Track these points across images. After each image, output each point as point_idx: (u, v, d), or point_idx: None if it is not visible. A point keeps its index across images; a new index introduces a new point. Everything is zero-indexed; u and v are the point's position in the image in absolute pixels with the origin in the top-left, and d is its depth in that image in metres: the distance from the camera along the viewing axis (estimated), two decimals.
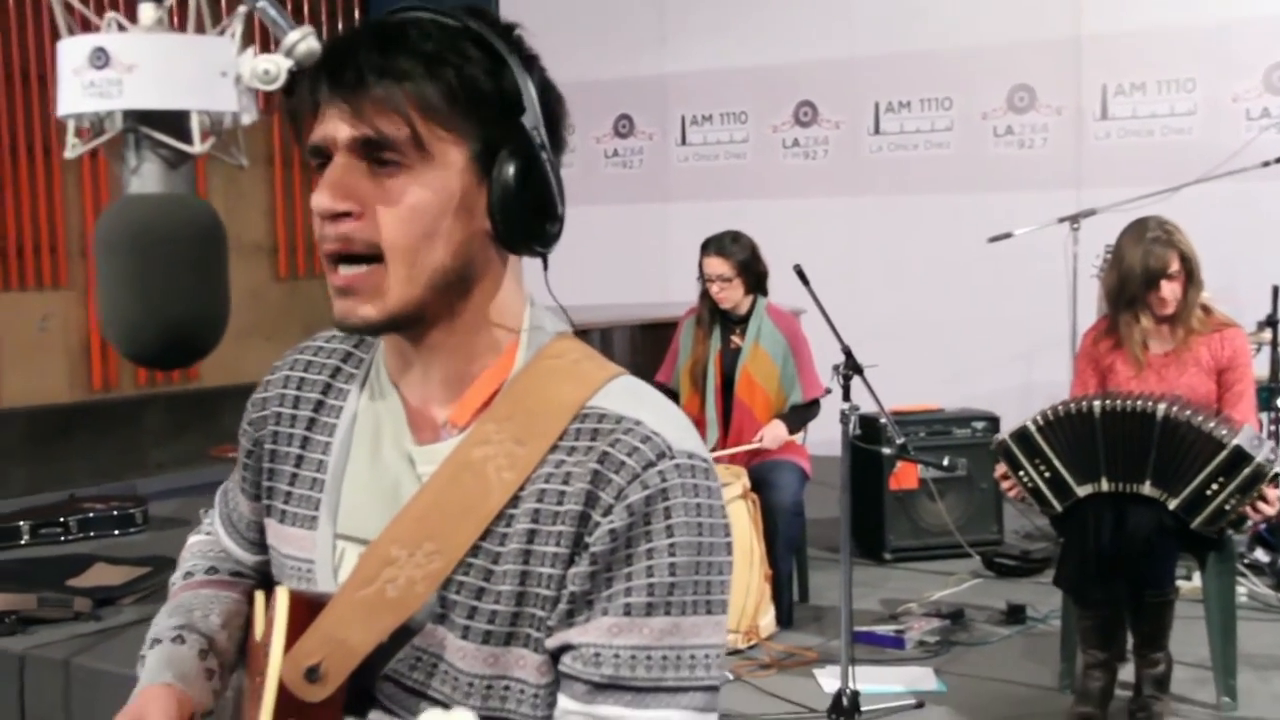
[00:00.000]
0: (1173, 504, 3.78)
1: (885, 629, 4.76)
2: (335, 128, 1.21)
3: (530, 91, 1.23)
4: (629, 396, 1.25)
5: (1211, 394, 3.98)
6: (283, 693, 1.20)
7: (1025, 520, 6.20)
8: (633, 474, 1.19)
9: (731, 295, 5.03)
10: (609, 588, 1.19)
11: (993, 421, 5.89)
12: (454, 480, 1.23)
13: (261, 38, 1.38)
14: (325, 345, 1.42)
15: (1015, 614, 4.93)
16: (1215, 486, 3.73)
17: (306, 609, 1.24)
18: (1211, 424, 3.76)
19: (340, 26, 9.54)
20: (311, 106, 1.24)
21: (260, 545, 1.51)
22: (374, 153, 1.21)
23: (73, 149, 1.06)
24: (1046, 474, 3.95)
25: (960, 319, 7.58)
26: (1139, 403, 3.85)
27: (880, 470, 5.70)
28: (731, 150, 8.75)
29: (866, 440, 4.92)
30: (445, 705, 1.23)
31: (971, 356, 7.45)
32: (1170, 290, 3.98)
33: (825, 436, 4.33)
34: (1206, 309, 4.05)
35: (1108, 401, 3.90)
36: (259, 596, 1.46)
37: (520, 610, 1.21)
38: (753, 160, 8.66)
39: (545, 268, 1.33)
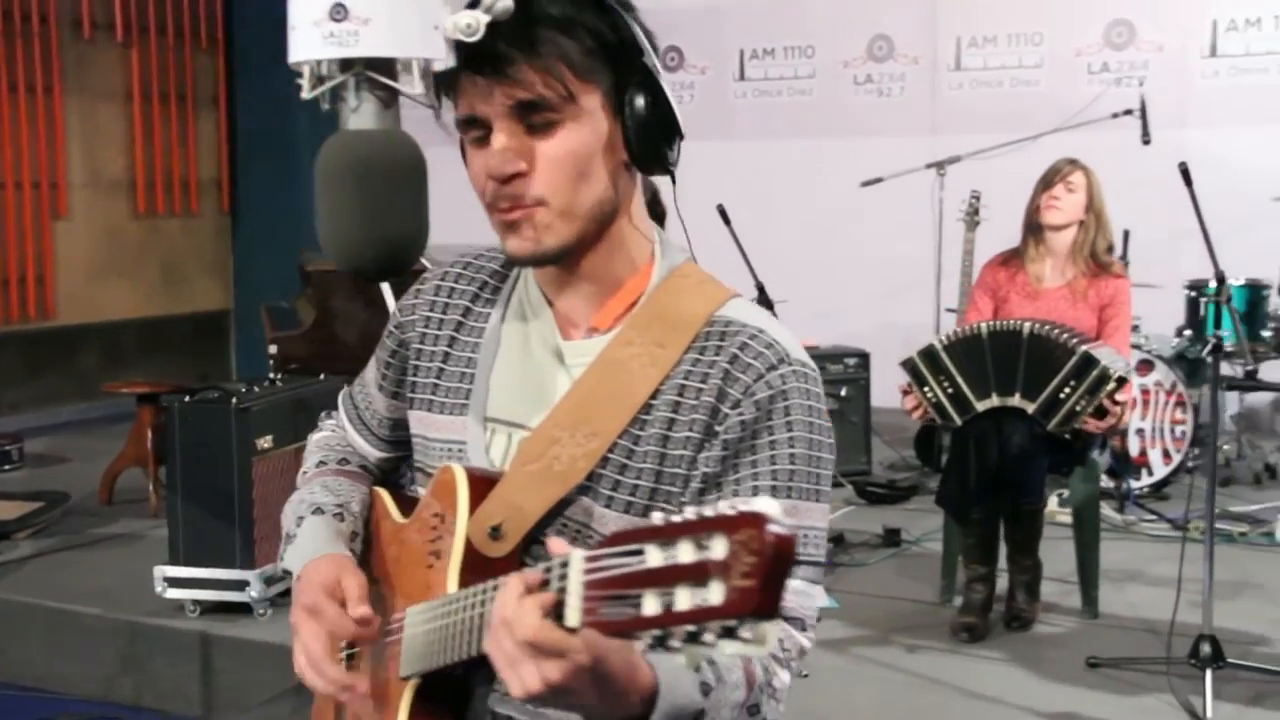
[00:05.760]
0: (1031, 409, 4.15)
1: None
2: (492, 97, 1.38)
3: (641, 35, 1.43)
4: (748, 310, 1.47)
5: (1093, 329, 4.36)
6: (468, 549, 1.42)
7: (891, 451, 6.57)
8: (758, 374, 1.40)
9: None
10: (736, 472, 1.40)
11: (863, 358, 6.25)
12: (604, 374, 1.44)
13: None
14: (474, 262, 1.61)
15: (891, 537, 5.27)
16: (1067, 390, 4.10)
17: (481, 482, 1.44)
18: (1066, 336, 4.14)
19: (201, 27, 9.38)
20: (461, 78, 1.39)
21: (390, 442, 1.71)
22: (530, 115, 1.38)
23: (309, 91, 1.22)
24: (950, 390, 4.28)
25: (827, 260, 7.89)
26: (1013, 322, 4.23)
27: None
28: None
29: None
30: None
31: (838, 296, 7.77)
32: (1064, 195, 4.39)
33: None
34: (1108, 263, 4.44)
35: (993, 324, 4.27)
36: (381, 493, 1.67)
37: (657, 486, 1.42)
38: None
39: (674, 183, 1.53)
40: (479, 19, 1.25)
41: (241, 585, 4.41)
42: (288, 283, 8.47)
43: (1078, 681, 3.92)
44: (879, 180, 6.39)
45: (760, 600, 0.94)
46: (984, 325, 4.28)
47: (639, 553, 1.03)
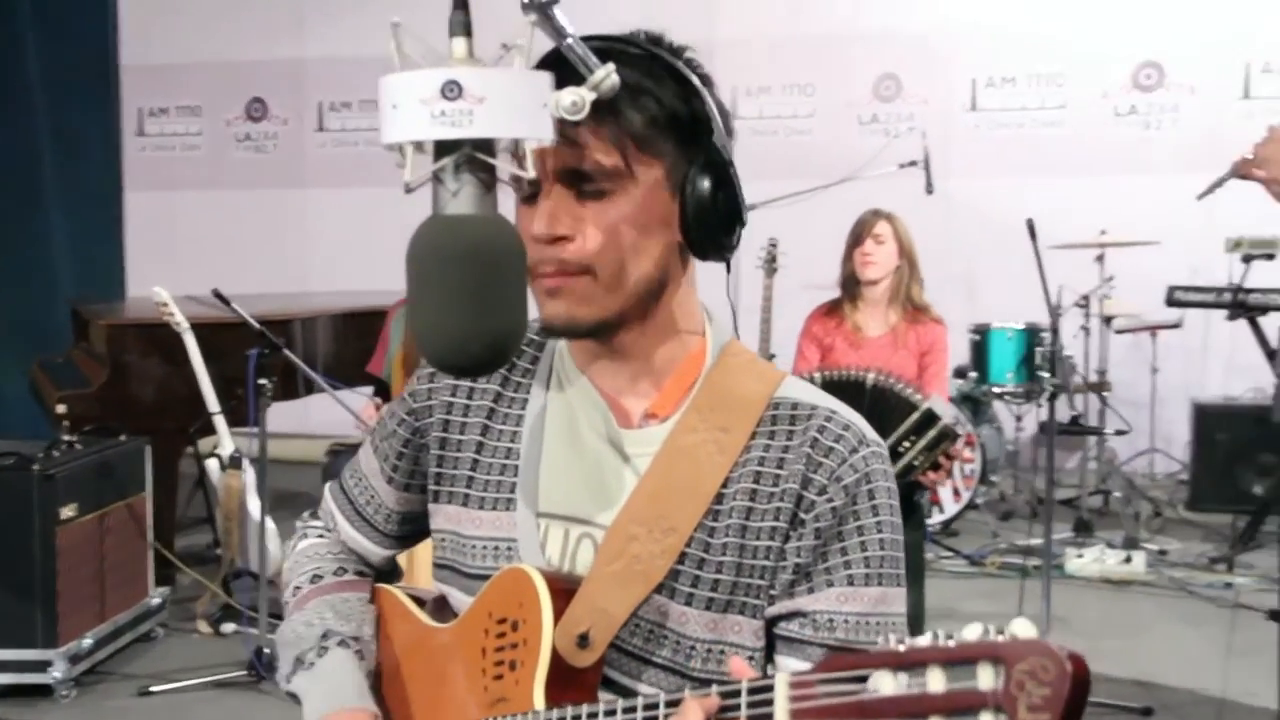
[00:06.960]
0: None
1: None
2: (545, 158, 1.29)
3: (714, 112, 1.35)
4: (809, 390, 1.41)
5: (914, 375, 4.49)
6: (554, 660, 1.29)
7: None
8: (841, 458, 1.34)
9: None
10: (827, 560, 1.33)
11: None
12: (672, 464, 1.35)
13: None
14: None
15: None
16: (907, 444, 4.19)
17: (560, 585, 1.32)
18: (909, 390, 4.24)
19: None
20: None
21: (397, 538, 1.57)
22: (582, 182, 1.31)
23: (410, 174, 1.08)
24: None
25: None
26: (852, 372, 4.30)
27: None
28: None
29: None
30: (669, 669, 1.34)
31: None
32: (875, 249, 4.50)
33: None
34: (925, 307, 4.58)
35: (827, 372, 4.33)
36: (395, 592, 1.53)
37: (738, 580, 1.34)
38: None
39: (729, 271, 1.44)
40: (584, 97, 1.16)
41: (43, 666, 4.09)
42: (33, 333, 7.97)
43: None
44: None
45: None
46: (819, 375, 4.34)
47: (861, 679, 0.98)
